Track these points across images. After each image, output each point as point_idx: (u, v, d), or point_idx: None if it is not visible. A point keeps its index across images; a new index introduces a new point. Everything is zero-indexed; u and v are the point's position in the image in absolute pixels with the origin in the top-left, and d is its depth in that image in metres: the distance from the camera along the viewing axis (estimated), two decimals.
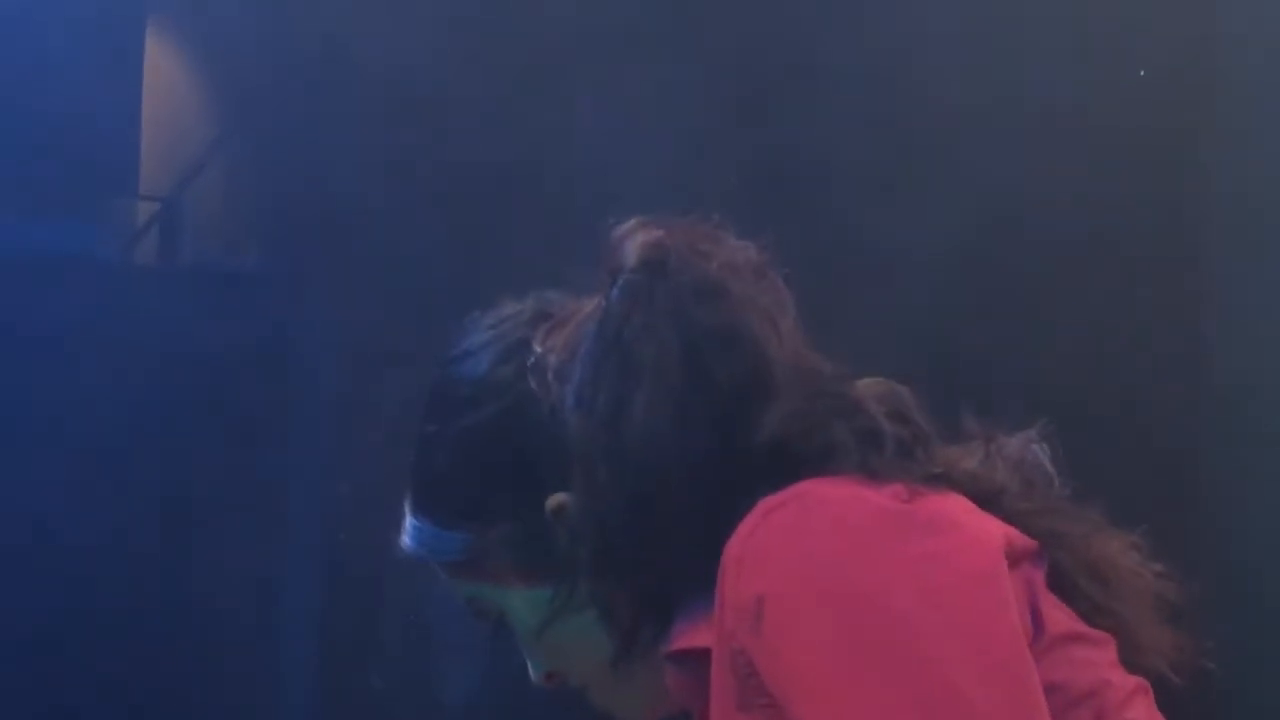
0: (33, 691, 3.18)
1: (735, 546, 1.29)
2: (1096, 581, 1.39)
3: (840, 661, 1.22)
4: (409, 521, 1.48)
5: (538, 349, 1.43)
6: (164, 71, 3.46)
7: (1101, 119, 3.39)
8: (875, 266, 3.22)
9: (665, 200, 1.55)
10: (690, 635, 1.33)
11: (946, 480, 1.35)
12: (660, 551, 1.35)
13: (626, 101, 3.34)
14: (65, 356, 3.15)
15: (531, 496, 1.41)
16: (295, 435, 3.43)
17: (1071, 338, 3.34)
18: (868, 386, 1.41)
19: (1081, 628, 1.36)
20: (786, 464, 1.33)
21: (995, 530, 1.31)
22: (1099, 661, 1.35)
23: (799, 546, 1.27)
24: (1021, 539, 1.34)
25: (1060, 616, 1.34)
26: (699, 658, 1.31)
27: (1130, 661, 1.38)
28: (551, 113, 3.37)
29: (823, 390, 1.39)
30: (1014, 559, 1.30)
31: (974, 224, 3.21)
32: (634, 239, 1.41)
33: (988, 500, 1.36)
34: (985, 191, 3.23)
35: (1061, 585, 1.37)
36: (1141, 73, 3.41)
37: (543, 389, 1.41)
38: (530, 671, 1.48)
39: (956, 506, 1.33)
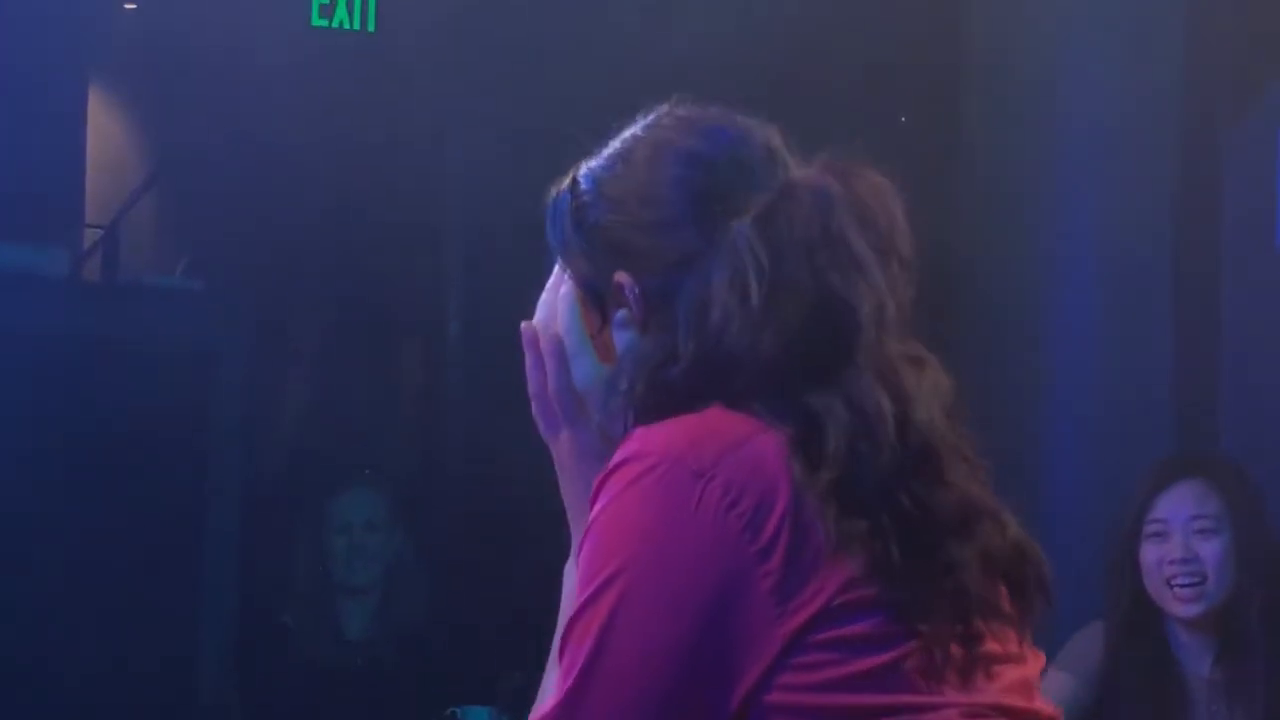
0: None
1: (607, 477, 1.46)
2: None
3: (583, 599, 1.45)
4: (583, 181, 1.58)
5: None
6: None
7: None
8: None
9: None
10: (614, 459, 1.49)
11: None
12: (680, 395, 1.49)
13: None
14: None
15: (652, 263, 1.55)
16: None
17: None
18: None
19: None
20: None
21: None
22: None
23: (617, 525, 1.46)
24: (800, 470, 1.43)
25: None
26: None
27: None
28: None
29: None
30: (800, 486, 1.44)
31: None
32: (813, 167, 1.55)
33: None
34: None
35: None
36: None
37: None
38: (532, 315, 1.61)
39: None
